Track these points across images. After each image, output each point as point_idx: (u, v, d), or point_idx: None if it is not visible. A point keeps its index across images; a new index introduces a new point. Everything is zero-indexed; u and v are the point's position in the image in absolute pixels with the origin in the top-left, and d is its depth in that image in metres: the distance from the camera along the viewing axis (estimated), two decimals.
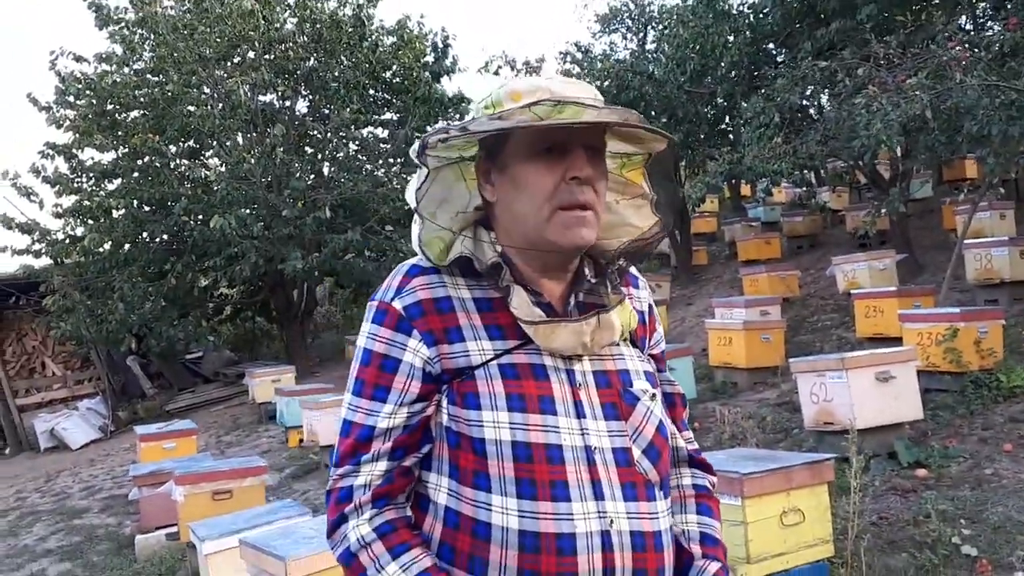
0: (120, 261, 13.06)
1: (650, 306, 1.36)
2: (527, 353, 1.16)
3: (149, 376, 15.36)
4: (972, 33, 8.95)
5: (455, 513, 1.12)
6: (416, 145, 1.17)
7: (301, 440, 8.82)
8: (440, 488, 1.15)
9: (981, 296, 8.17)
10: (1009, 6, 8.01)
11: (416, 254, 1.23)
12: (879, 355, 5.33)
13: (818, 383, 5.31)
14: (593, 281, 1.24)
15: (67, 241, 13.30)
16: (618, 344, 1.24)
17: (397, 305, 1.18)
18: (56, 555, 6.86)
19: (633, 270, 1.35)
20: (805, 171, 11.19)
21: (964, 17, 9.95)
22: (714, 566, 1.27)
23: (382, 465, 1.15)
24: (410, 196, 1.21)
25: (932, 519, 4.07)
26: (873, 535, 4.11)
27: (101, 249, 12.80)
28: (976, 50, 7.04)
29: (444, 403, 1.16)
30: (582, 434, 1.14)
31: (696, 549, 1.28)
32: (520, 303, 1.16)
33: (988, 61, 6.75)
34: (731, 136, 13.00)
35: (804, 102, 9.76)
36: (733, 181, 15.64)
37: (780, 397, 7.13)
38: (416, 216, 1.21)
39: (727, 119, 12.94)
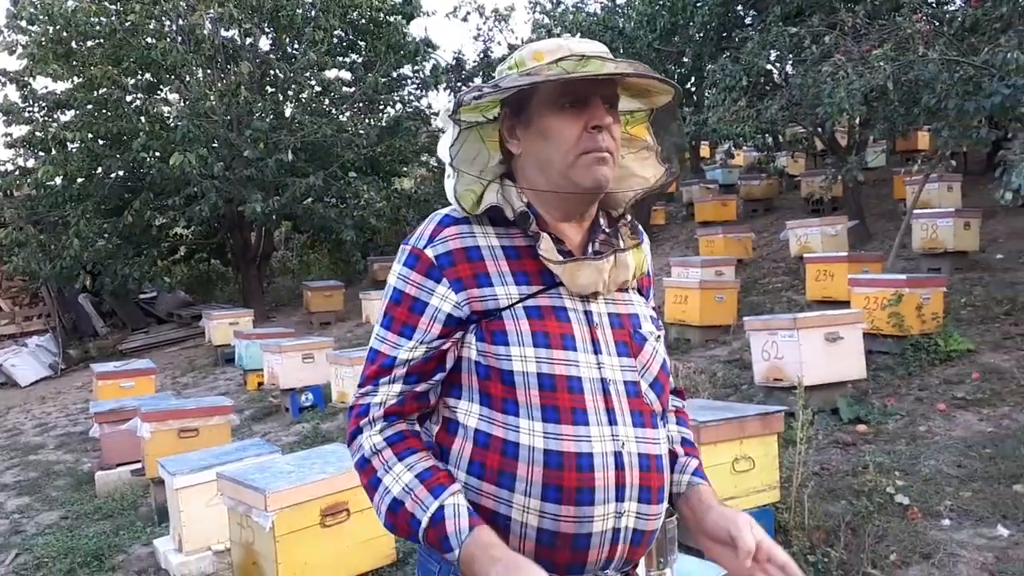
0: (74, 195, 12.76)
1: (650, 262, 1.50)
2: (550, 297, 1.29)
3: (101, 315, 15.13)
4: (935, 7, 9.15)
5: (485, 435, 1.26)
6: (448, 106, 1.30)
7: (260, 383, 8.87)
8: (471, 413, 1.28)
9: (925, 264, 8.52)
10: None
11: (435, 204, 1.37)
12: (828, 317, 5.59)
13: (770, 341, 5.56)
14: (607, 230, 1.38)
15: (17, 173, 12.92)
16: (627, 291, 1.38)
17: (429, 253, 1.29)
18: (13, 489, 6.86)
19: (638, 227, 1.47)
20: (766, 135, 11.42)
21: None
22: (694, 462, 1.47)
23: (397, 387, 1.29)
24: (443, 152, 1.32)
25: (869, 470, 4.34)
26: (815, 484, 4.37)
27: (54, 182, 12.47)
28: (939, 24, 7.25)
29: (472, 340, 1.28)
30: (598, 367, 1.28)
31: (679, 449, 1.48)
32: (547, 247, 1.28)
33: (950, 36, 6.96)
34: (695, 97, 13.14)
35: (770, 67, 9.92)
36: (693, 143, 15.83)
37: (731, 354, 7.40)
38: (450, 169, 1.32)
39: (693, 79, 13.07)
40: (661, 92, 1.35)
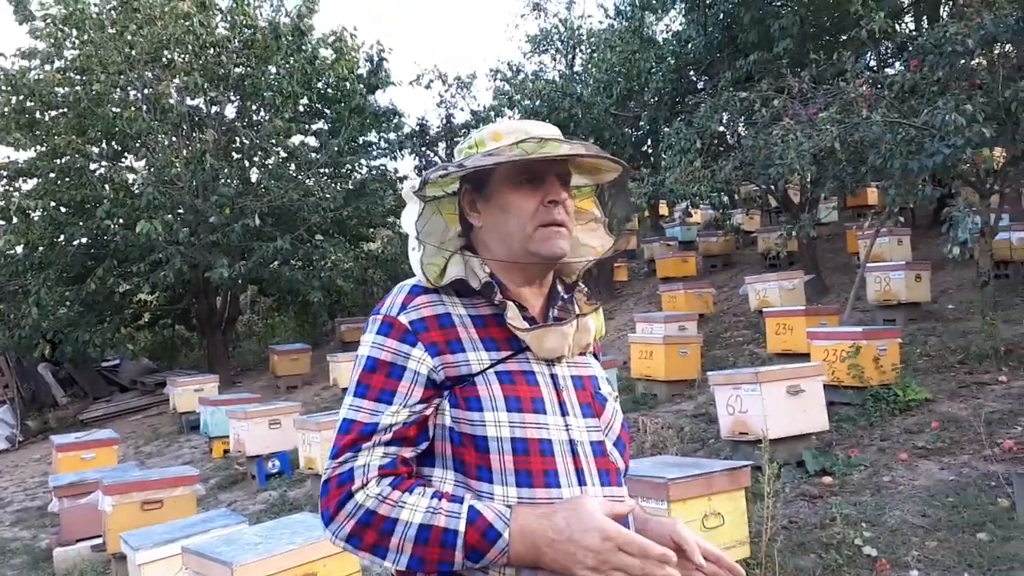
0: (35, 264, 12.62)
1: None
2: (517, 362, 1.35)
3: (62, 384, 14.80)
4: (876, 72, 9.61)
5: None
6: (412, 183, 1.39)
7: (226, 451, 8.73)
8: (446, 481, 1.30)
9: (880, 316, 8.76)
10: (910, 48, 8.67)
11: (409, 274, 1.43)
12: (790, 370, 5.72)
13: (734, 395, 5.66)
14: (565, 297, 1.46)
15: None
16: (584, 355, 1.46)
17: (403, 319, 1.34)
18: None
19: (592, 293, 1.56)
20: (721, 194, 11.77)
21: (869, 54, 10.68)
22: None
23: (380, 450, 1.27)
24: (409, 226, 1.40)
25: (837, 523, 4.42)
26: (785, 538, 4.43)
27: (14, 251, 12.33)
28: (880, 88, 7.61)
29: (446, 407, 1.31)
30: (567, 429, 1.33)
31: None
32: (514, 315, 1.35)
33: (891, 99, 7.31)
34: (652, 159, 13.52)
35: (723, 129, 10.28)
36: (652, 202, 16.20)
37: (697, 408, 7.49)
38: (415, 242, 1.39)
39: (649, 142, 13.46)
40: (610, 170, 1.46)
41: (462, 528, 1.20)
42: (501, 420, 1.28)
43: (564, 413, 1.34)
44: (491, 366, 1.32)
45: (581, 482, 1.31)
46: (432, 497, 1.24)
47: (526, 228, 1.35)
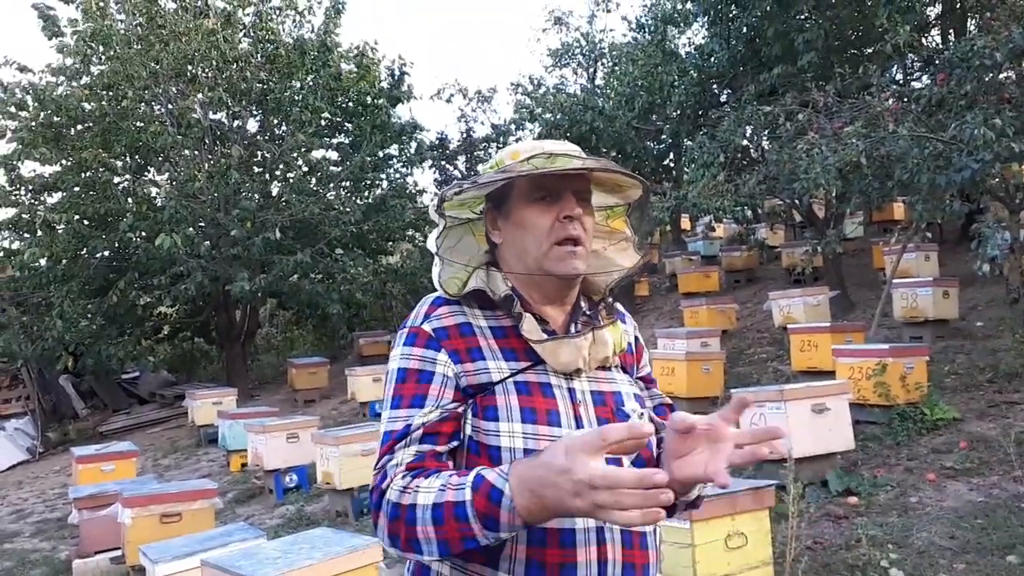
0: (59, 276, 12.75)
1: (636, 338, 1.56)
2: (536, 373, 1.35)
3: (82, 396, 14.91)
4: (903, 86, 9.51)
5: None
6: (434, 201, 1.41)
7: (244, 464, 8.72)
8: None
9: (907, 333, 8.61)
10: (937, 62, 8.57)
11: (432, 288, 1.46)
12: (815, 388, 5.62)
13: (758, 413, 5.55)
14: (588, 313, 1.46)
15: (1, 255, 12.94)
16: (610, 370, 1.43)
17: (427, 328, 1.37)
18: None
19: (619, 307, 1.56)
20: (745, 208, 11.68)
21: (896, 68, 10.59)
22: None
23: (413, 448, 1.28)
24: (431, 244, 1.43)
25: (863, 544, 4.31)
26: (809, 559, 4.33)
27: (38, 264, 12.47)
28: (906, 102, 7.52)
29: (468, 415, 1.32)
30: None
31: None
32: (530, 327, 1.36)
33: (917, 113, 7.22)
34: (675, 173, 13.46)
35: (746, 142, 10.21)
36: (674, 215, 16.14)
37: None
38: (437, 259, 1.44)
39: (672, 156, 13.40)
40: (631, 186, 1.46)
41: (468, 496, 1.14)
42: (515, 431, 1.28)
43: (580, 427, 1.33)
44: (511, 375, 1.33)
45: None
46: (448, 476, 1.20)
47: (542, 244, 1.37)
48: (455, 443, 1.31)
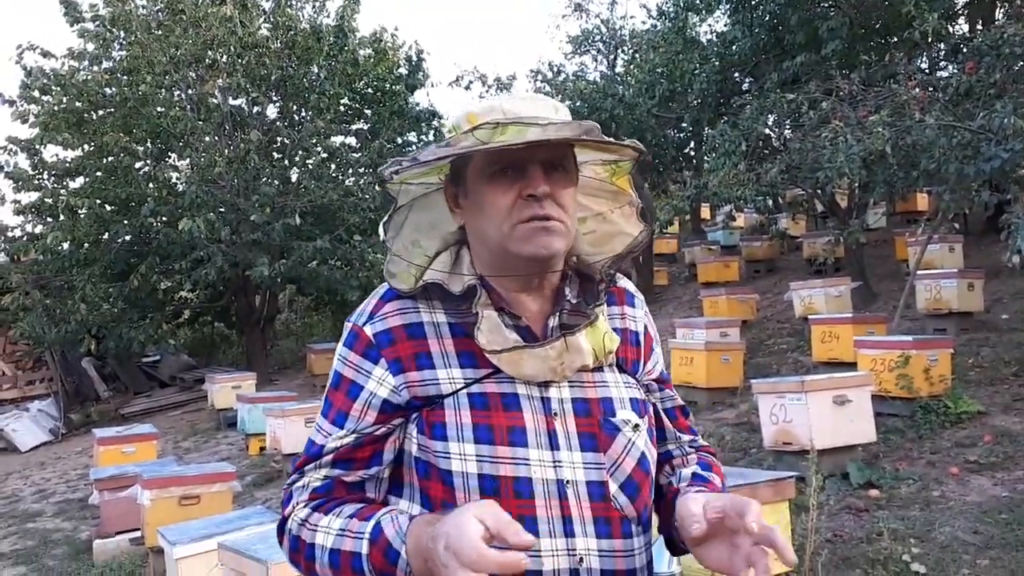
0: (81, 260, 12.87)
1: (646, 326, 1.31)
2: (498, 382, 1.14)
3: (104, 379, 15.08)
4: (930, 74, 9.35)
5: None
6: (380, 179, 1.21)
7: (262, 448, 8.79)
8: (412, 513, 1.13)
9: (930, 325, 8.50)
10: (965, 50, 8.41)
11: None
12: (837, 379, 5.55)
13: (778, 404, 5.51)
14: (574, 301, 1.20)
15: (25, 239, 13.06)
16: (601, 370, 1.20)
17: (368, 331, 1.18)
18: (10, 559, 6.73)
19: (631, 287, 1.33)
20: (766, 197, 11.56)
21: (922, 56, 10.41)
22: (689, 470, 1.28)
23: (322, 472, 1.17)
24: (380, 230, 1.21)
25: (884, 538, 4.26)
26: (829, 552, 4.29)
27: (61, 248, 12.60)
28: (933, 90, 7.39)
29: (413, 431, 1.15)
30: (554, 466, 1.11)
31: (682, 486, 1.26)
32: (490, 329, 1.14)
33: (945, 102, 7.09)
34: (695, 161, 13.34)
35: (768, 131, 10.09)
36: (693, 204, 16.03)
37: (738, 417, 7.33)
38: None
39: (692, 144, 13.28)
40: (620, 148, 1.18)
41: (365, 550, 1.06)
42: (468, 453, 1.10)
43: (554, 446, 1.12)
44: (463, 387, 1.12)
45: (569, 531, 1.10)
46: (348, 517, 1.10)
47: (502, 227, 1.12)
48: (375, 467, 1.17)
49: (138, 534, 5.88)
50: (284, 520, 1.18)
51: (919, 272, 8.73)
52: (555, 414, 1.14)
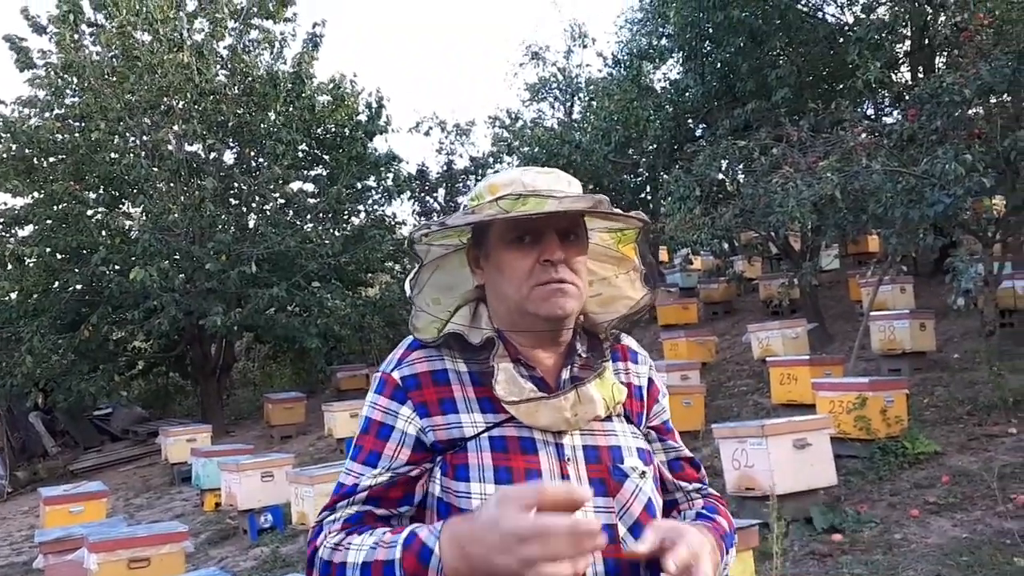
0: (29, 311, 12.51)
1: (650, 380, 1.40)
2: (517, 427, 1.22)
3: (53, 433, 14.57)
4: (875, 121, 9.66)
5: None
6: (408, 241, 1.32)
7: (218, 504, 8.52)
8: None
9: (885, 365, 8.64)
10: (907, 98, 8.72)
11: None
12: (796, 423, 5.59)
13: (739, 449, 5.52)
14: (585, 356, 1.30)
15: None
16: (611, 420, 1.29)
17: (396, 375, 1.27)
18: None
19: (634, 345, 1.42)
20: (722, 241, 11.75)
21: (867, 103, 10.76)
22: (694, 511, 1.36)
23: (355, 507, 1.22)
24: (407, 288, 1.32)
25: None
26: None
27: (8, 298, 12.25)
28: (879, 137, 7.63)
29: (437, 474, 1.22)
30: None
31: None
32: (507, 380, 1.23)
33: (890, 148, 7.32)
34: (651, 206, 13.54)
35: (722, 176, 10.30)
36: (652, 248, 16.23)
37: (702, 461, 7.31)
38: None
39: (648, 189, 13.49)
40: (627, 219, 1.31)
41: (398, 555, 1.08)
42: (488, 493, 1.16)
43: None
44: (485, 430, 1.21)
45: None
46: (383, 532, 1.14)
47: (521, 288, 1.24)
48: (405, 507, 1.23)
49: None
50: (314, 552, 1.20)
51: (873, 313, 8.90)
52: (568, 459, 1.22)
